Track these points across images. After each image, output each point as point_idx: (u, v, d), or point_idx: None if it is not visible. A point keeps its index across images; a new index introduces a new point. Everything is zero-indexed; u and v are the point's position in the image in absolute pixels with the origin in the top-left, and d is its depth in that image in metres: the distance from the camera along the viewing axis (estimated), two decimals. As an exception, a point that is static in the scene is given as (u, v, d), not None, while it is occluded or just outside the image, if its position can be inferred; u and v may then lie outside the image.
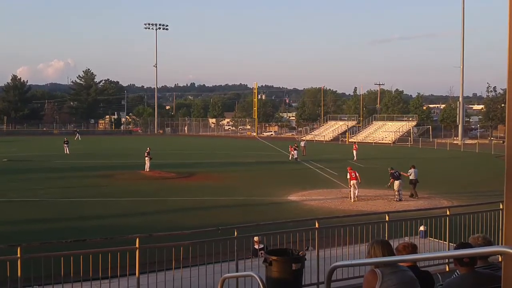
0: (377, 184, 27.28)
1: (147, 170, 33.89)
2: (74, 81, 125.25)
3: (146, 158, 34.40)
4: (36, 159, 43.56)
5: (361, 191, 24.20)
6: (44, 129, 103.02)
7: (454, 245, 6.80)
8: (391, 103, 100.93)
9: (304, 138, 73.33)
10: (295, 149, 45.51)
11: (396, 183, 23.73)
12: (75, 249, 7.76)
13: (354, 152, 46.11)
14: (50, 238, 12.41)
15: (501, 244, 2.65)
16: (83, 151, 52.19)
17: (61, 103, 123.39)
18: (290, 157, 45.05)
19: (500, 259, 4.81)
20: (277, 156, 46.54)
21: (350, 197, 23.69)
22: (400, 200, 23.37)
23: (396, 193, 23.70)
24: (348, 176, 23.85)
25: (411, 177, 24.67)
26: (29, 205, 22.28)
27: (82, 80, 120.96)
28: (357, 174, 23.74)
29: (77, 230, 16.92)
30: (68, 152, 49.36)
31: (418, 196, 24.24)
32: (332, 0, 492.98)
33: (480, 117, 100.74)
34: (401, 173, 24.49)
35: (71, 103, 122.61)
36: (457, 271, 4.40)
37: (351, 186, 23.73)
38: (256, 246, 11.87)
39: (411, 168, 24.92)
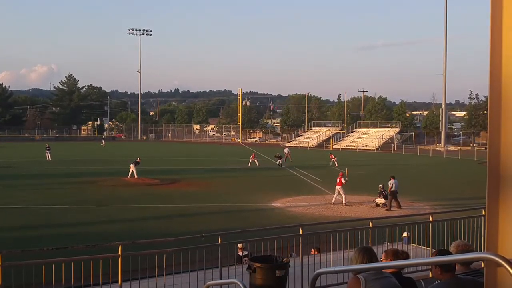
0: (361, 190, 27.39)
1: (135, 176, 33.37)
2: (56, 86, 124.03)
3: (132, 165, 33.93)
4: (17, 165, 42.99)
5: (345, 197, 24.33)
6: (26, 135, 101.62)
7: (434, 250, 6.86)
8: (375, 110, 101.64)
9: (288, 145, 73.47)
10: (280, 156, 46.24)
11: (382, 200, 23.86)
12: (57, 257, 7.66)
13: (334, 160, 46.41)
14: (32, 246, 12.22)
15: (483, 250, 2.67)
16: (65, 158, 51.67)
17: (43, 109, 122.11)
18: (249, 163, 45.26)
19: (482, 265, 4.85)
20: (261, 163, 46.48)
21: (332, 201, 24.29)
22: (385, 205, 23.55)
23: (381, 204, 23.83)
24: (338, 181, 24.28)
25: (392, 189, 23.40)
26: (10, 212, 21.95)
27: (65, 85, 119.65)
28: (343, 180, 24.09)
29: (59, 237, 16.71)
30: (50, 158, 48.83)
31: (401, 206, 23.24)
32: (316, 7, 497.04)
33: (462, 124, 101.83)
34: (389, 190, 23.63)
35: (53, 109, 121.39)
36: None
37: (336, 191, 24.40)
38: (240, 253, 11.84)
39: (390, 179, 23.69)
